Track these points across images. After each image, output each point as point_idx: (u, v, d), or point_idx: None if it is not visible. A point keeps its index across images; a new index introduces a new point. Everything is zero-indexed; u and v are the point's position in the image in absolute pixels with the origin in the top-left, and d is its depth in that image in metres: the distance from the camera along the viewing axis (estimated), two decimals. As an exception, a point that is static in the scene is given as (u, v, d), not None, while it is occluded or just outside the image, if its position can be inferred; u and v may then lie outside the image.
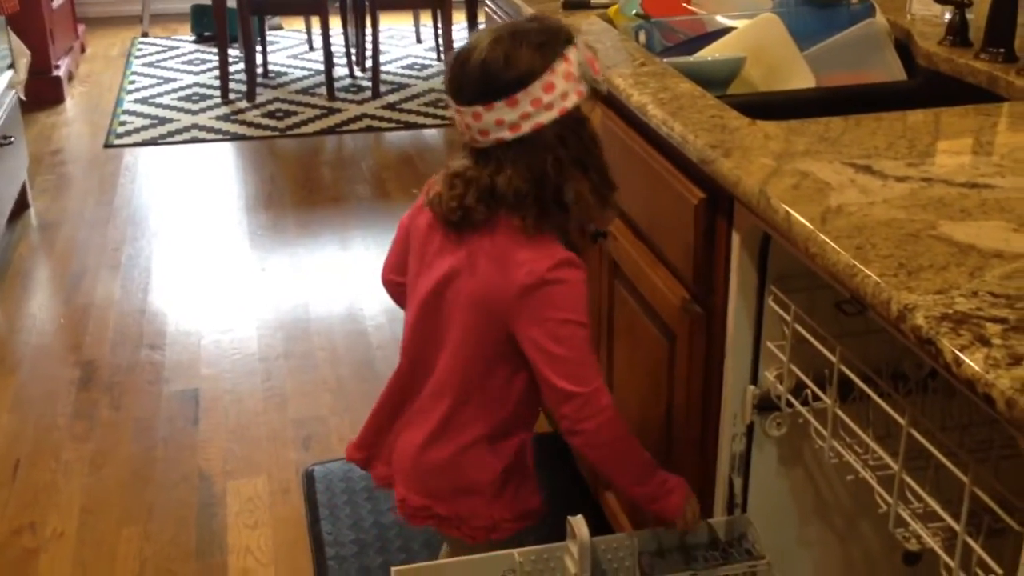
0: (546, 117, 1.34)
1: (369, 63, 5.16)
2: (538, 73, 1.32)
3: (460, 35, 5.26)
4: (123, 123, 4.70)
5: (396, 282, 1.59)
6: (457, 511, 1.50)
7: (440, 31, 5.30)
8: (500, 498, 1.50)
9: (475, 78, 1.34)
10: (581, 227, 1.44)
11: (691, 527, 1.48)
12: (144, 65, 5.55)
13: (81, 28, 5.79)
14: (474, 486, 1.49)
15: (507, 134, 1.35)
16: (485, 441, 1.47)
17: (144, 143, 4.48)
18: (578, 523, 1.42)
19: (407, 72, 5.41)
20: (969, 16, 1.80)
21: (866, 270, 1.04)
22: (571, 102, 1.34)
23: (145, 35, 6.12)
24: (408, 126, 4.69)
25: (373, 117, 4.77)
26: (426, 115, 4.80)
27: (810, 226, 1.14)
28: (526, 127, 1.34)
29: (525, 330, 1.38)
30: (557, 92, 1.33)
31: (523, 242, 1.37)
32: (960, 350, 0.90)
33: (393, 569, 1.43)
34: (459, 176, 1.40)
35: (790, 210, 1.19)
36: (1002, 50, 1.70)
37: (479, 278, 1.40)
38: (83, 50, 5.76)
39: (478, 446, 1.47)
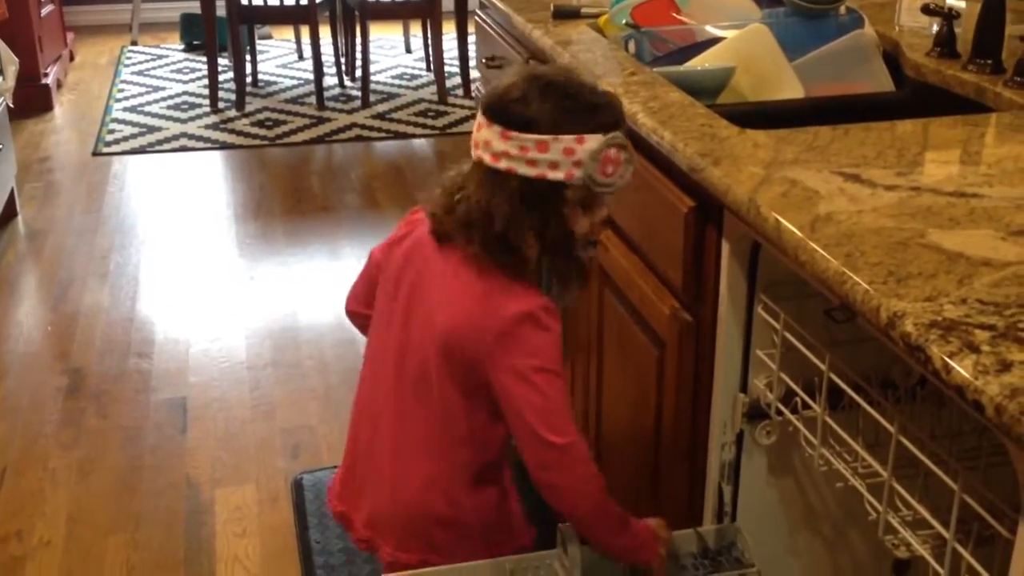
0: (526, 170, 1.29)
1: (359, 73, 5.16)
2: (547, 130, 1.27)
3: (449, 45, 5.27)
4: (112, 131, 4.69)
5: (361, 314, 1.57)
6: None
7: (430, 41, 5.30)
8: (488, 542, 1.48)
9: (506, 97, 1.30)
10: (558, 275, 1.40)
11: (668, 545, 1.47)
12: (133, 73, 5.55)
13: (70, 36, 5.78)
14: (465, 533, 1.47)
15: (488, 159, 1.31)
16: (472, 482, 1.45)
17: (133, 151, 4.47)
18: (568, 531, 1.42)
19: (397, 82, 5.42)
20: (957, 28, 1.81)
21: (856, 277, 1.04)
22: (555, 176, 1.29)
23: (134, 44, 6.12)
24: (397, 136, 4.69)
25: (362, 127, 4.78)
26: (415, 125, 4.81)
27: (799, 234, 1.15)
28: (503, 164, 1.30)
29: (502, 370, 1.34)
30: (549, 158, 1.28)
31: (498, 283, 1.34)
32: (949, 357, 0.90)
33: (382, 577, 1.43)
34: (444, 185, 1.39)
35: (780, 218, 1.19)
36: (990, 61, 1.72)
37: (451, 317, 1.36)
38: (72, 58, 5.75)
39: (464, 495, 1.45)
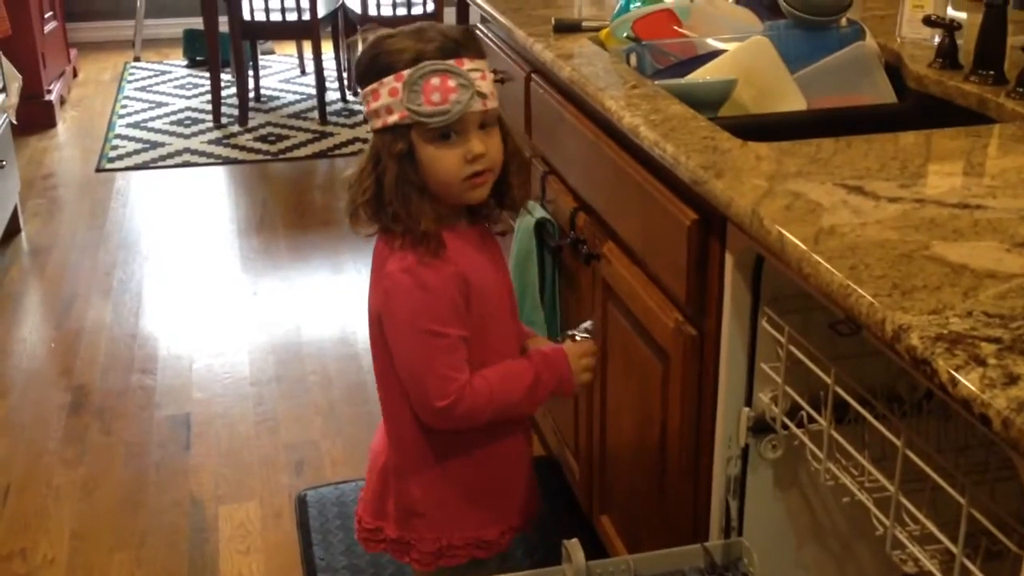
0: (374, 123, 1.35)
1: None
2: (374, 76, 1.32)
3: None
4: (115, 147, 4.70)
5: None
6: (403, 535, 1.50)
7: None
8: (446, 523, 1.49)
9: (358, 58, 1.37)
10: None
11: (591, 369, 1.52)
12: (136, 89, 5.56)
13: (73, 53, 5.80)
14: (415, 506, 1.48)
15: (368, 126, 1.38)
16: (430, 460, 1.47)
17: (136, 167, 4.48)
18: (573, 547, 1.41)
19: (399, 96, 5.42)
20: (959, 39, 1.81)
21: (860, 290, 1.04)
22: (391, 120, 1.32)
23: (137, 60, 6.13)
24: (400, 150, 4.69)
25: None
26: (418, 139, 4.80)
27: (803, 247, 1.14)
28: (372, 125, 1.36)
29: (388, 334, 1.41)
30: (380, 104, 1.33)
31: (387, 249, 1.40)
32: (955, 370, 0.89)
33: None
34: None
35: (783, 231, 1.18)
36: (992, 72, 1.71)
37: (369, 292, 1.44)
38: (75, 75, 5.77)
39: (405, 465, 1.48)
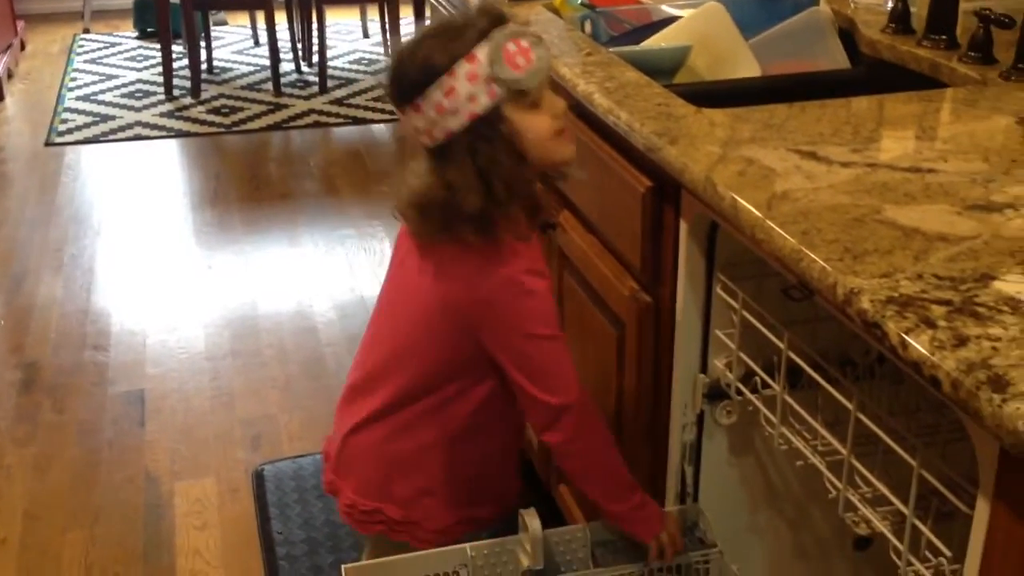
0: (454, 123, 1.26)
1: (316, 58, 5.11)
2: (438, 74, 1.25)
3: (407, 29, 5.22)
4: (64, 121, 4.61)
5: None
6: (409, 515, 1.47)
7: (387, 25, 5.26)
8: (454, 503, 1.48)
9: (391, 78, 1.31)
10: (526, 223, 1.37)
11: (666, 558, 1.45)
12: (86, 62, 5.45)
13: (21, 25, 5.67)
14: (431, 488, 1.47)
15: (426, 141, 1.30)
16: (445, 443, 1.45)
17: (86, 141, 4.40)
18: (530, 515, 1.41)
19: (355, 67, 5.37)
20: (912, 5, 1.81)
21: (812, 255, 1.04)
22: (481, 106, 1.25)
23: (87, 31, 6.01)
24: (356, 121, 4.65)
25: (320, 113, 4.73)
26: (374, 110, 4.76)
27: (756, 212, 1.14)
28: (438, 135, 1.28)
29: (493, 340, 1.35)
30: (462, 96, 1.25)
31: (479, 253, 1.32)
32: (906, 333, 0.90)
33: (343, 567, 1.41)
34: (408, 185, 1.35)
35: (736, 197, 1.18)
36: (944, 37, 1.72)
37: (446, 284, 1.36)
38: (23, 47, 5.64)
39: (438, 447, 1.45)
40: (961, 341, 0.88)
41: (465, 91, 1.25)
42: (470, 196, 1.27)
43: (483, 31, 1.26)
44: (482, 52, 1.25)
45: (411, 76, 1.27)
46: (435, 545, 1.46)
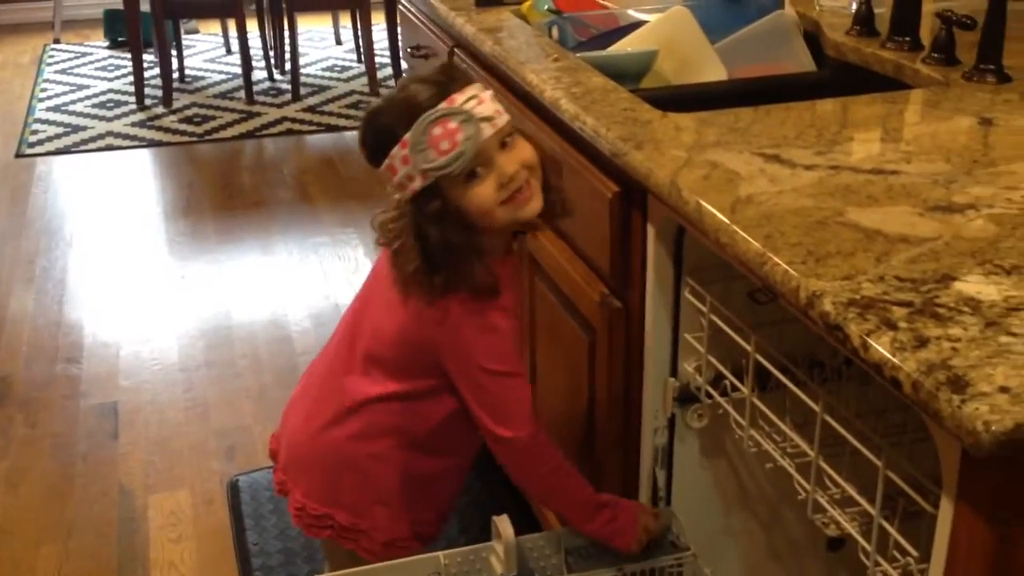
0: (402, 195, 1.33)
1: (288, 66, 5.09)
2: (390, 145, 1.31)
3: (380, 36, 5.21)
4: (35, 132, 4.58)
5: None
6: (357, 523, 1.47)
7: (360, 32, 5.25)
8: (405, 516, 1.48)
9: (359, 137, 1.38)
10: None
11: (653, 535, 1.47)
12: (56, 72, 5.42)
13: (-11, 35, 5.64)
14: (385, 498, 1.47)
15: (396, 195, 1.35)
16: (404, 454, 1.45)
17: (57, 152, 4.37)
18: (503, 522, 1.41)
19: (327, 74, 5.35)
20: (876, 7, 1.82)
21: (775, 258, 1.04)
22: (417, 185, 1.30)
23: (57, 41, 5.98)
24: (329, 128, 4.64)
25: (293, 120, 4.71)
26: (347, 117, 4.75)
27: (720, 216, 1.15)
28: (399, 196, 1.34)
29: (452, 366, 1.38)
30: (401, 175, 1.31)
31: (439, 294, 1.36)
32: (867, 334, 0.90)
33: (315, 578, 1.41)
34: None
35: (701, 201, 1.19)
36: (907, 39, 1.73)
37: (416, 304, 1.37)
38: (-8, 58, 5.61)
39: (396, 457, 1.45)
40: (922, 342, 0.88)
41: (401, 173, 1.31)
42: (407, 260, 1.33)
43: (417, 111, 1.28)
44: (410, 136, 1.29)
45: (370, 143, 1.35)
46: (380, 558, 1.45)
